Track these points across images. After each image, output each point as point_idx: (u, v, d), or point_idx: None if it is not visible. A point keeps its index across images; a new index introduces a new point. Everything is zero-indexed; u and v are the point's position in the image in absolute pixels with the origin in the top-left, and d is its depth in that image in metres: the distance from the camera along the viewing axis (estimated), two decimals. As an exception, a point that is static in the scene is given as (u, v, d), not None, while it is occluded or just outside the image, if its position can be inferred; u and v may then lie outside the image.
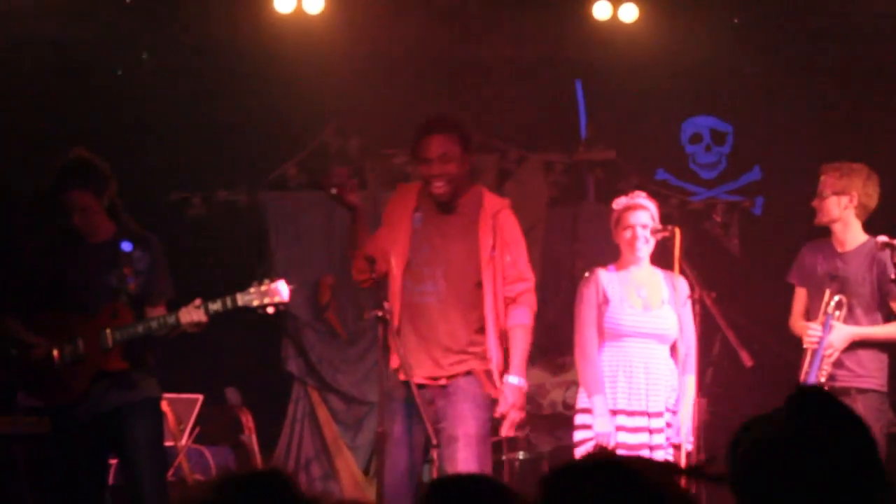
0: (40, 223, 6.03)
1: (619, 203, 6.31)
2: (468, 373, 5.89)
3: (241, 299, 5.85)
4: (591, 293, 6.27)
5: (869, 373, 6.39)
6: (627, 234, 6.26)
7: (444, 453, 5.84)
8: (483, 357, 5.89)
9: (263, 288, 5.86)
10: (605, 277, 6.31)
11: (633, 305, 6.22)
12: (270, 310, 5.88)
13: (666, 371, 6.17)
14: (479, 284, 5.93)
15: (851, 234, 6.49)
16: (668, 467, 2.09)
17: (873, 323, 6.41)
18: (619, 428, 6.12)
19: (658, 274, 6.31)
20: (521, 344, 5.90)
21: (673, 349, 6.25)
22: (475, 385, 5.89)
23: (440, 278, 5.97)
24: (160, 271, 6.10)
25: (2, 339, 6.01)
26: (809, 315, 6.53)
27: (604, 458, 2.09)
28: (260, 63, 8.74)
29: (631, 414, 6.13)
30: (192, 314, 5.81)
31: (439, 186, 5.92)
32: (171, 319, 5.83)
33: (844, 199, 6.44)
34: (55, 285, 5.90)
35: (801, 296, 6.63)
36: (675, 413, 6.18)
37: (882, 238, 6.32)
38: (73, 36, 8.55)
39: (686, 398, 6.13)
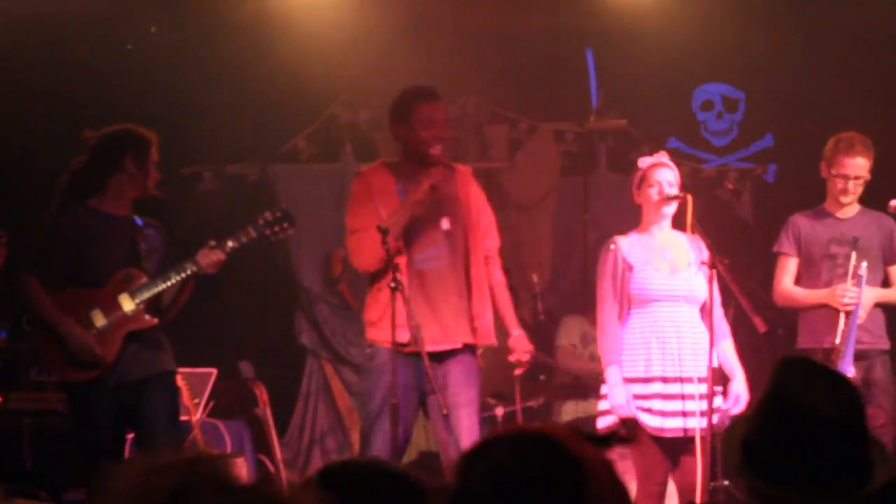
0: (72, 197, 6.04)
1: (644, 162, 6.23)
2: (468, 342, 6.10)
3: (254, 230, 6.02)
4: (611, 263, 6.18)
5: (882, 333, 6.58)
6: (653, 191, 6.13)
7: (450, 420, 5.98)
8: (476, 327, 6.12)
9: (270, 217, 6.05)
10: (626, 244, 6.19)
11: (659, 269, 6.10)
12: (282, 236, 6.11)
13: (698, 334, 5.99)
14: (468, 247, 6.16)
15: (854, 203, 6.62)
16: (579, 434, 2.05)
17: (877, 284, 6.55)
18: (655, 395, 6.00)
19: (681, 237, 6.18)
20: (508, 300, 6.33)
21: (703, 312, 6.14)
22: (473, 354, 6.13)
23: (442, 243, 6.13)
24: (168, 254, 6.19)
25: (23, 311, 6.09)
26: (801, 283, 6.56)
27: (521, 432, 2.06)
28: (268, 36, 8.73)
29: (666, 381, 6.00)
30: (211, 255, 5.94)
31: (439, 149, 6.09)
32: (190, 265, 5.90)
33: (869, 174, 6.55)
34: (82, 256, 5.96)
35: (790, 266, 6.67)
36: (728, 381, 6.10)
37: (895, 202, 6.38)
38: (83, 10, 8.53)
39: (734, 365, 6.08)
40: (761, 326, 5.91)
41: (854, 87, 8.88)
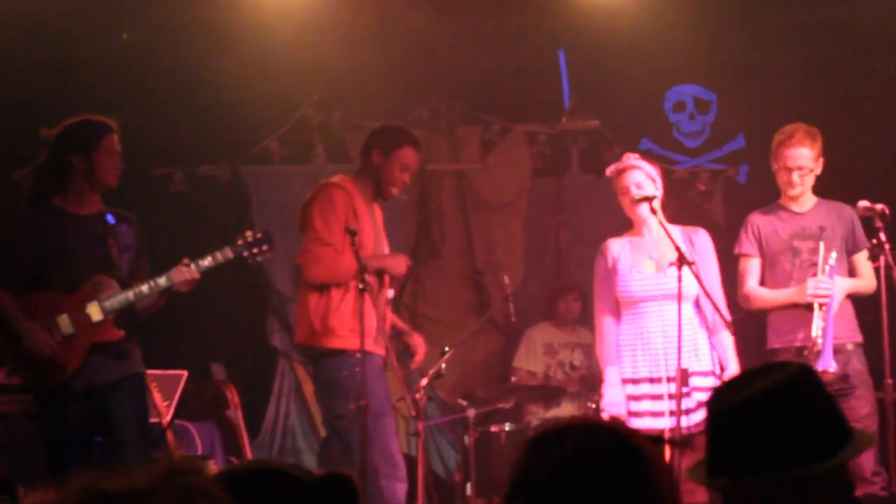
0: (37, 198, 5.97)
1: (610, 170, 6.27)
2: None
3: (231, 251, 5.99)
4: (601, 265, 6.31)
5: (854, 326, 6.46)
6: (626, 198, 6.20)
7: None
8: None
9: (250, 238, 6.02)
10: (616, 246, 6.29)
11: (641, 270, 6.18)
12: (259, 258, 6.09)
13: (687, 331, 5.98)
14: None
15: (808, 195, 6.52)
16: (638, 431, 2.15)
17: (845, 274, 6.42)
18: (643, 396, 6.13)
19: (674, 232, 6.17)
20: None
21: (698, 307, 6.16)
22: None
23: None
24: (142, 250, 6.10)
25: None
26: (766, 282, 6.50)
27: (590, 421, 2.20)
28: (241, 37, 8.70)
29: (653, 381, 6.11)
30: (185, 273, 5.88)
31: (397, 193, 6.46)
32: (163, 281, 5.85)
33: (819, 165, 6.44)
34: (46, 257, 5.86)
35: (754, 266, 6.54)
36: (718, 377, 6.13)
37: (863, 203, 6.33)
38: (55, 13, 8.47)
39: (730, 357, 6.08)
40: (729, 327, 5.94)
41: (825, 88, 8.91)
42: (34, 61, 8.53)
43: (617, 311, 6.24)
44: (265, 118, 9.18)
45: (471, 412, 7.57)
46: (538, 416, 8.27)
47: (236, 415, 8.18)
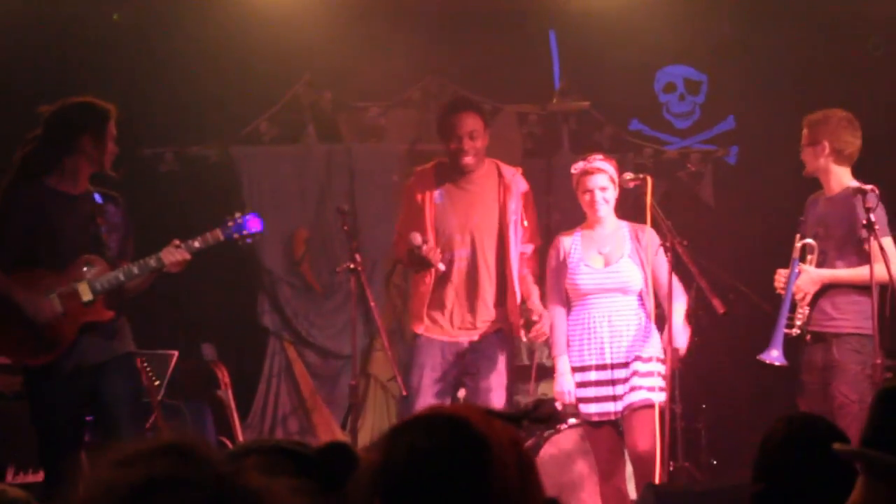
0: (26, 174, 5.95)
1: (576, 167, 6.46)
2: (499, 331, 6.51)
3: (222, 233, 6.05)
4: (552, 259, 6.53)
5: (844, 315, 6.35)
6: (587, 197, 6.41)
7: (479, 402, 6.39)
8: (508, 316, 6.52)
9: (239, 220, 6.07)
10: (568, 241, 6.50)
11: (589, 264, 6.38)
12: (248, 240, 6.16)
13: (633, 321, 6.29)
14: (503, 247, 6.51)
15: (835, 181, 6.47)
16: (493, 414, 2.20)
17: (848, 265, 6.34)
18: (588, 383, 6.33)
19: (624, 228, 6.44)
20: (536, 292, 6.62)
21: (642, 297, 6.31)
22: (505, 342, 6.56)
23: (468, 244, 6.51)
24: (129, 230, 6.11)
25: None
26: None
27: (435, 413, 2.22)
28: (231, 17, 8.69)
29: (598, 368, 6.31)
30: (175, 254, 5.91)
31: (469, 161, 6.47)
32: (153, 262, 5.87)
33: (818, 149, 6.46)
34: (38, 236, 5.85)
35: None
36: (662, 361, 6.24)
37: (854, 184, 6.34)
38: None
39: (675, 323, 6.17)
40: (720, 307, 5.97)
41: (815, 71, 8.93)
42: (24, 41, 8.51)
43: (567, 303, 6.46)
44: (256, 98, 9.18)
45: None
46: (527, 394, 8.30)
47: (227, 394, 8.19)
